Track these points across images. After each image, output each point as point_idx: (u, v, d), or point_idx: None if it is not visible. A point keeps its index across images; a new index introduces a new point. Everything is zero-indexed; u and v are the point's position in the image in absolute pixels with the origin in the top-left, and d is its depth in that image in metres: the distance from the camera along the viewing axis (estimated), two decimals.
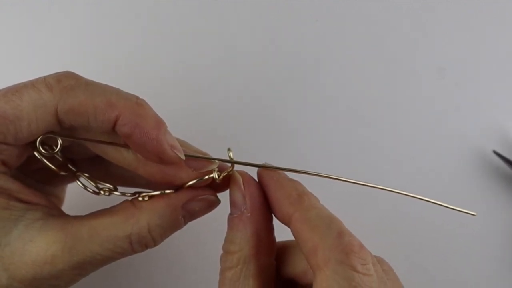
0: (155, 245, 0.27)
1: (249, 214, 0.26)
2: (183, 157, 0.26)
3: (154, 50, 0.45)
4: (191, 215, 0.28)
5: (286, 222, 0.26)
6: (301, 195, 0.26)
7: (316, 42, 0.46)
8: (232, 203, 0.27)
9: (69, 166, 0.29)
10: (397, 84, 0.45)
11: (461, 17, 0.48)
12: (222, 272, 0.26)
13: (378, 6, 0.48)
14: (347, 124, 0.44)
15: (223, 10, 0.47)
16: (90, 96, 0.24)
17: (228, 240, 0.26)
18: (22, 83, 0.25)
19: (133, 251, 0.26)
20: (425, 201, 0.28)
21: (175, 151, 0.26)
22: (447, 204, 0.28)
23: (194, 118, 0.43)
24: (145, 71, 0.44)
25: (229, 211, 0.28)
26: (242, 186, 0.27)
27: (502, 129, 0.44)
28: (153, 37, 0.46)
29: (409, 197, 0.28)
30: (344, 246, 0.23)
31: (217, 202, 0.28)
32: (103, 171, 0.30)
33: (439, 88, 0.45)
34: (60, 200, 0.32)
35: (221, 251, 0.27)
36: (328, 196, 0.42)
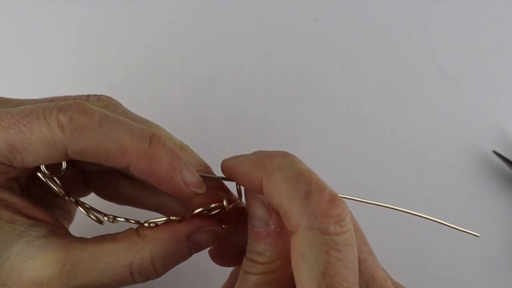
0: (157, 276, 0.26)
1: (278, 230, 0.24)
2: (203, 191, 0.25)
3: (154, 50, 0.45)
4: (197, 247, 0.26)
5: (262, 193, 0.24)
6: (262, 158, 0.23)
7: (316, 42, 0.46)
8: (254, 217, 0.25)
9: (70, 198, 0.28)
10: (397, 84, 0.45)
11: (461, 17, 0.48)
12: (246, 273, 0.24)
13: (378, 6, 0.48)
14: (347, 124, 0.44)
15: (223, 9, 0.47)
16: (102, 139, 0.24)
17: (255, 251, 0.24)
18: (35, 111, 0.24)
19: (133, 281, 0.25)
20: (423, 210, 0.28)
21: (192, 189, 0.25)
22: (450, 223, 0.27)
23: (193, 119, 0.43)
24: (145, 72, 0.44)
25: None
26: (266, 203, 0.24)
27: (502, 129, 0.44)
28: (154, 37, 0.46)
29: (406, 210, 0.28)
30: (311, 209, 0.21)
31: (224, 234, 0.27)
32: (112, 188, 0.30)
33: (439, 88, 0.45)
34: (71, 214, 0.31)
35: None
36: None
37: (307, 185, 0.22)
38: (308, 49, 0.46)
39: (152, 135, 0.24)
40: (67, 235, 0.26)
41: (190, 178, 0.25)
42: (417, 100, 0.45)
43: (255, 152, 0.25)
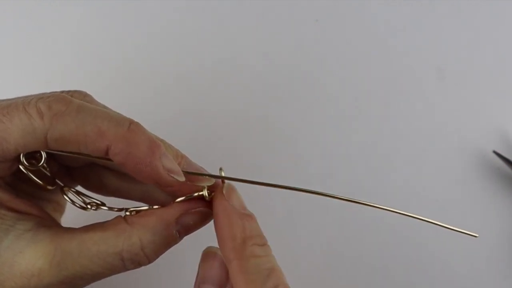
0: (149, 262, 0.26)
1: None
2: (183, 179, 0.26)
3: (154, 50, 0.45)
4: (186, 230, 0.27)
5: (226, 263, 0.25)
6: (245, 240, 0.24)
7: (316, 42, 0.46)
8: (208, 280, 0.25)
9: (56, 181, 0.28)
10: (397, 84, 0.45)
11: (461, 17, 0.48)
12: None
13: (378, 6, 0.48)
14: (347, 124, 0.44)
15: (223, 9, 0.47)
16: (80, 124, 0.24)
17: None
18: (15, 102, 0.24)
19: (125, 268, 0.26)
20: (422, 213, 0.28)
21: (172, 175, 0.25)
22: (448, 224, 0.27)
23: (193, 119, 0.43)
24: (145, 72, 0.44)
25: None
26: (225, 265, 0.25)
27: (502, 129, 0.44)
28: (154, 37, 0.46)
29: (403, 211, 0.28)
30: None
31: (211, 214, 0.27)
32: (97, 181, 0.30)
33: (439, 88, 0.45)
34: (61, 205, 0.31)
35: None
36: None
37: (276, 283, 0.23)
38: (308, 49, 0.46)
39: (130, 122, 0.25)
40: (55, 226, 0.26)
41: (169, 165, 0.25)
42: (417, 100, 0.45)
43: (243, 220, 0.25)
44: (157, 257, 0.26)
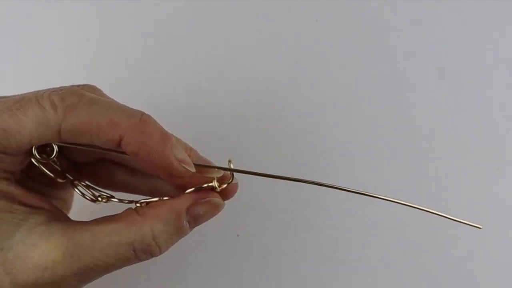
0: (160, 253, 0.26)
1: None
2: (194, 170, 0.26)
3: (154, 50, 0.45)
4: (196, 220, 0.27)
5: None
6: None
7: (316, 42, 0.46)
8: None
9: (67, 175, 0.29)
10: (397, 84, 0.45)
11: (461, 17, 0.48)
12: None
13: (378, 6, 0.48)
14: (347, 124, 0.44)
15: (223, 9, 0.47)
16: (92, 115, 0.24)
17: None
18: (27, 96, 0.25)
19: (137, 259, 0.26)
20: (424, 206, 0.28)
21: (183, 165, 0.26)
22: (452, 216, 0.28)
23: (194, 119, 0.43)
24: (145, 72, 0.44)
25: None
26: None
27: (502, 129, 0.44)
28: (154, 37, 0.46)
29: (407, 204, 0.28)
30: None
31: (221, 204, 0.28)
32: (105, 176, 0.30)
33: (439, 88, 0.45)
34: (67, 203, 0.32)
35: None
36: (326, 202, 0.42)
37: None
38: (308, 49, 0.46)
39: (142, 113, 0.25)
40: (66, 219, 0.27)
41: (180, 155, 0.26)
42: (417, 100, 0.45)
43: None
44: (168, 247, 0.27)
